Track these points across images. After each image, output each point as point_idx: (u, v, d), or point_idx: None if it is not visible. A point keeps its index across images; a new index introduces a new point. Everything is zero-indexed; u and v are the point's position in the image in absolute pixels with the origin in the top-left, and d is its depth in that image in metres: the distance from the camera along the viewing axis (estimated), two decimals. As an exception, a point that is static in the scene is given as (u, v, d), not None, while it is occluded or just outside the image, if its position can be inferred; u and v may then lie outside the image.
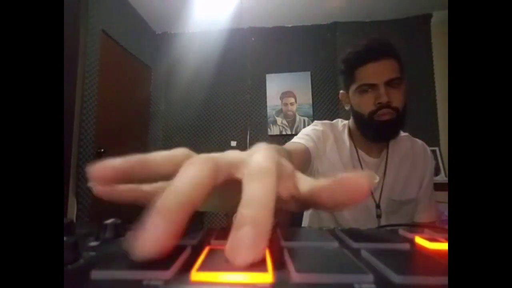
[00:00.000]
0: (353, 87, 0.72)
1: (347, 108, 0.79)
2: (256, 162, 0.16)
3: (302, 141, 0.73)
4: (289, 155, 0.57)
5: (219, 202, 0.20)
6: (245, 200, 0.14)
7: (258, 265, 0.12)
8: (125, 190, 0.19)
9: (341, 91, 0.80)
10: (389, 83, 0.67)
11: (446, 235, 0.19)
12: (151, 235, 0.13)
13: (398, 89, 0.68)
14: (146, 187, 0.20)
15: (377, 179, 0.73)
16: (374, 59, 0.67)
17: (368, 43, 0.70)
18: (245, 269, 0.12)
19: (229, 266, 0.12)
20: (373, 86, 0.68)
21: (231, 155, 0.18)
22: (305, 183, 0.18)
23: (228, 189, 0.17)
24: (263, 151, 0.17)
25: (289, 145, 0.71)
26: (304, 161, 0.70)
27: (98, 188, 0.17)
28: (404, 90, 0.69)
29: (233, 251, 0.13)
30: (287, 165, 0.19)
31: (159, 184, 0.20)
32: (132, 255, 0.13)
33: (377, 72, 0.67)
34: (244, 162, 0.18)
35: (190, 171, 0.15)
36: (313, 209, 0.73)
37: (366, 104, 0.69)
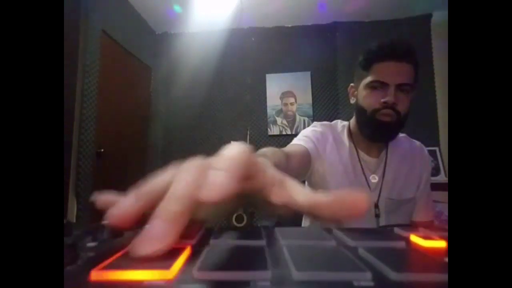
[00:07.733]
0: (365, 81, 0.72)
1: (352, 101, 0.79)
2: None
3: (301, 143, 0.74)
4: (289, 158, 0.57)
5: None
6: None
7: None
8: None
9: (351, 84, 0.80)
10: (400, 87, 0.68)
11: (440, 233, 0.19)
12: (153, 235, 0.14)
13: (406, 95, 0.69)
14: None
15: (370, 198, 0.73)
16: (396, 58, 0.68)
17: (394, 41, 0.69)
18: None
19: (229, 265, 0.12)
20: (384, 85, 0.68)
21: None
22: (301, 194, 0.18)
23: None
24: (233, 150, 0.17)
25: (288, 147, 0.71)
26: (304, 163, 0.71)
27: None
28: (410, 98, 0.70)
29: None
30: (276, 173, 0.20)
31: None
32: (134, 253, 0.13)
33: (393, 72, 0.68)
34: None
35: (183, 177, 0.16)
36: (311, 219, 0.74)
37: (372, 100, 0.70)
